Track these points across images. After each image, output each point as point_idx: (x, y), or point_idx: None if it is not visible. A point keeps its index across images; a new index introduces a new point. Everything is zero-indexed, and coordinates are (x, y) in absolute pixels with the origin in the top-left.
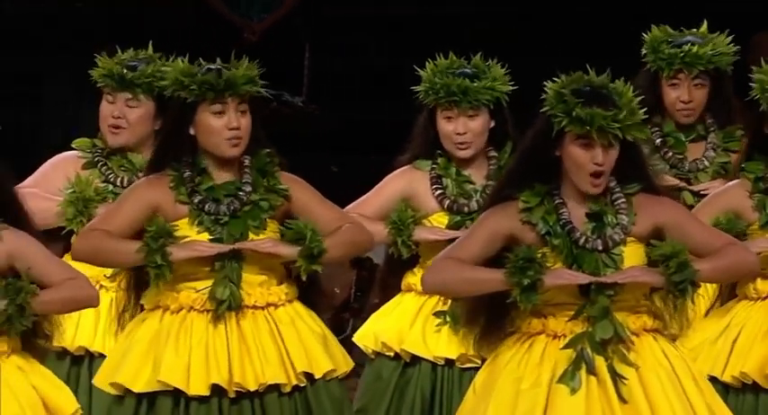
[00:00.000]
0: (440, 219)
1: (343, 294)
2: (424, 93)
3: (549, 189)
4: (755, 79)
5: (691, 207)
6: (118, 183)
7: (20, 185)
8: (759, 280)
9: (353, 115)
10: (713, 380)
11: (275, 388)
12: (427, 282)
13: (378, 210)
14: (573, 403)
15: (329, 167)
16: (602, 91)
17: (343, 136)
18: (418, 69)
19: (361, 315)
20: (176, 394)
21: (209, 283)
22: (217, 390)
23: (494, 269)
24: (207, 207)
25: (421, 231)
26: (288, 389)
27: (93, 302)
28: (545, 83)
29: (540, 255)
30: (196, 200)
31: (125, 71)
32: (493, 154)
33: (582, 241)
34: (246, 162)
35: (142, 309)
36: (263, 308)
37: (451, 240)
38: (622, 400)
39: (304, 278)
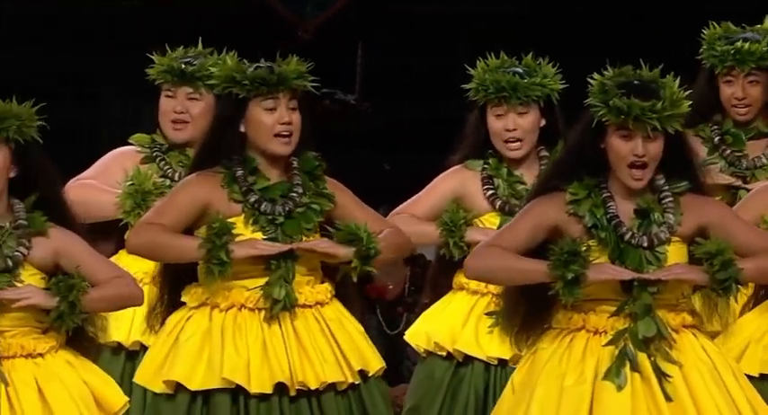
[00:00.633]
0: (491, 220)
1: (396, 289)
2: (474, 91)
3: (597, 183)
4: None
5: None
6: (175, 178)
7: (78, 176)
8: None
9: (406, 113)
10: (765, 378)
11: (332, 386)
12: (470, 268)
13: (428, 210)
14: (619, 400)
15: (382, 165)
16: (649, 84)
17: (396, 135)
18: (469, 68)
19: (415, 311)
20: (234, 392)
21: (260, 282)
22: (276, 388)
23: (537, 259)
24: (263, 206)
25: (473, 232)
26: (344, 387)
27: (137, 301)
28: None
29: (584, 248)
30: (251, 199)
31: (184, 65)
32: (544, 153)
33: (627, 236)
34: (295, 164)
35: (175, 307)
36: (311, 306)
37: None
38: (667, 397)
39: (355, 279)
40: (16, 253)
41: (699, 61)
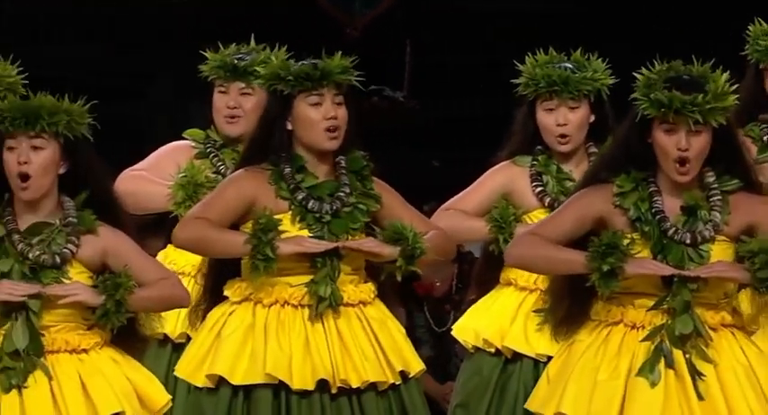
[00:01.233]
0: (540, 216)
1: (444, 287)
2: (524, 85)
3: (645, 177)
4: None
5: None
6: (228, 174)
7: (131, 168)
8: None
9: (454, 110)
10: None
11: (372, 386)
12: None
13: (477, 206)
14: (651, 397)
15: (430, 162)
16: (697, 79)
17: (444, 132)
18: (518, 64)
19: (462, 308)
20: (276, 387)
21: (304, 279)
22: (318, 385)
23: (577, 250)
24: (310, 204)
25: (523, 229)
26: (384, 387)
27: (184, 302)
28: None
29: (626, 241)
30: (299, 197)
31: (236, 61)
32: (593, 150)
33: (671, 232)
34: (342, 163)
35: (217, 302)
36: (354, 305)
37: None
38: (699, 396)
39: (400, 278)
40: (65, 250)
41: (745, 57)
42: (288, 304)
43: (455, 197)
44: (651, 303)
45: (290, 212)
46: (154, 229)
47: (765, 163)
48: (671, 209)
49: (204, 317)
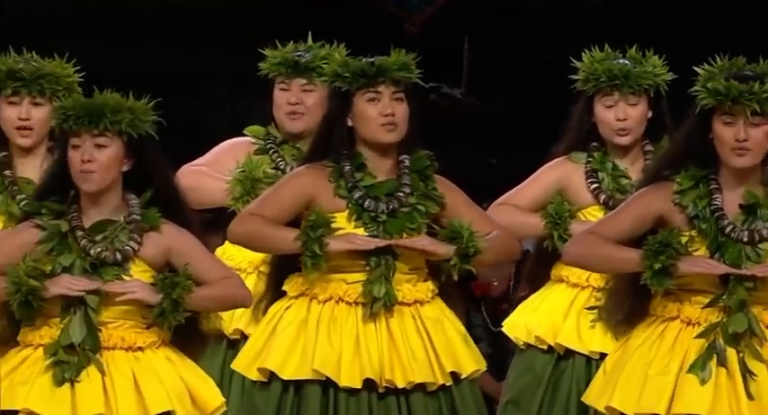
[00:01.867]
0: (595, 213)
1: (501, 286)
2: (582, 81)
3: (706, 174)
4: None
5: None
6: (287, 171)
7: (191, 163)
8: None
9: (511, 107)
10: None
11: (421, 386)
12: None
13: (531, 202)
14: (701, 394)
15: (487, 159)
16: (759, 75)
17: (501, 128)
18: (574, 60)
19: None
20: (325, 384)
21: (360, 277)
22: (366, 384)
23: (633, 249)
24: (366, 203)
25: (578, 225)
26: (434, 388)
27: (246, 302)
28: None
29: (684, 239)
30: (356, 196)
31: (297, 57)
32: (649, 148)
33: (728, 229)
34: (406, 162)
35: (278, 297)
36: (409, 305)
37: None
38: (750, 396)
39: (456, 278)
40: (126, 248)
41: None
42: (342, 301)
43: (509, 192)
44: (707, 300)
45: (347, 210)
46: (213, 226)
47: None
48: (731, 207)
49: (266, 312)
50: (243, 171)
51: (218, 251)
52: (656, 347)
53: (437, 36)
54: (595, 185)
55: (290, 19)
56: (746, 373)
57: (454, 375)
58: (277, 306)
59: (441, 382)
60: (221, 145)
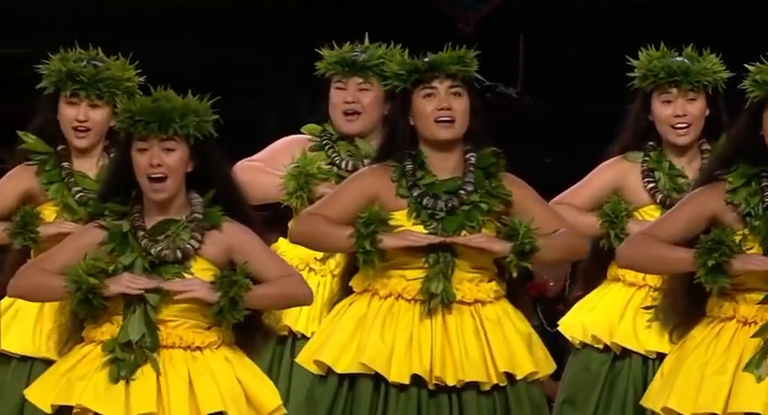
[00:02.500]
0: (651, 213)
1: (557, 286)
2: (640, 78)
3: (758, 172)
4: None
5: None
6: (342, 166)
7: (247, 159)
8: None
9: (566, 106)
10: None
11: (474, 385)
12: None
13: (587, 201)
14: (756, 392)
15: (542, 158)
16: None
17: (557, 127)
18: (630, 59)
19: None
20: (377, 379)
21: (419, 274)
22: (416, 380)
23: (686, 248)
24: (425, 201)
25: (634, 224)
26: (487, 388)
27: (306, 300)
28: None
29: (737, 238)
30: (415, 194)
31: (354, 56)
32: (706, 147)
33: None
34: (471, 160)
35: (347, 294)
36: (469, 304)
37: None
38: None
39: (515, 275)
40: (187, 246)
41: None
42: (401, 297)
43: (565, 191)
44: (761, 297)
45: (408, 208)
46: (268, 223)
47: None
48: None
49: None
50: (297, 166)
51: (272, 247)
52: (713, 347)
53: (492, 35)
54: (652, 185)
55: (344, 17)
56: None
57: (509, 376)
58: (342, 302)
59: (494, 381)
60: (278, 141)
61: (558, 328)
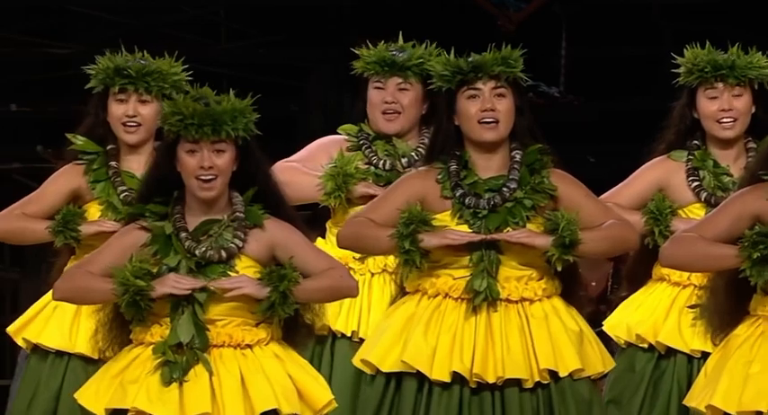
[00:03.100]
0: (696, 211)
1: (599, 286)
2: (685, 74)
3: None
4: None
5: None
6: (380, 166)
7: (285, 159)
8: None
9: (609, 105)
10: None
11: (517, 383)
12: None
13: (632, 200)
14: None
15: (585, 157)
16: None
17: (599, 126)
18: (675, 56)
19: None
20: (421, 378)
21: (466, 272)
22: (459, 378)
23: (730, 245)
24: (467, 200)
25: (679, 222)
26: (530, 385)
27: (353, 292)
28: None
29: None
30: (458, 193)
31: (393, 55)
32: (751, 145)
33: None
34: (517, 157)
35: (406, 293)
36: (516, 302)
37: None
38: None
39: (559, 269)
40: (231, 245)
41: None
42: (449, 296)
43: (609, 191)
44: None
45: (452, 208)
46: (308, 223)
47: None
48: None
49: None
50: (335, 166)
51: None
52: (758, 345)
53: (534, 34)
54: (696, 183)
55: (383, 16)
56: None
57: (554, 374)
58: (395, 303)
59: (536, 378)
60: (316, 141)
61: (603, 328)
